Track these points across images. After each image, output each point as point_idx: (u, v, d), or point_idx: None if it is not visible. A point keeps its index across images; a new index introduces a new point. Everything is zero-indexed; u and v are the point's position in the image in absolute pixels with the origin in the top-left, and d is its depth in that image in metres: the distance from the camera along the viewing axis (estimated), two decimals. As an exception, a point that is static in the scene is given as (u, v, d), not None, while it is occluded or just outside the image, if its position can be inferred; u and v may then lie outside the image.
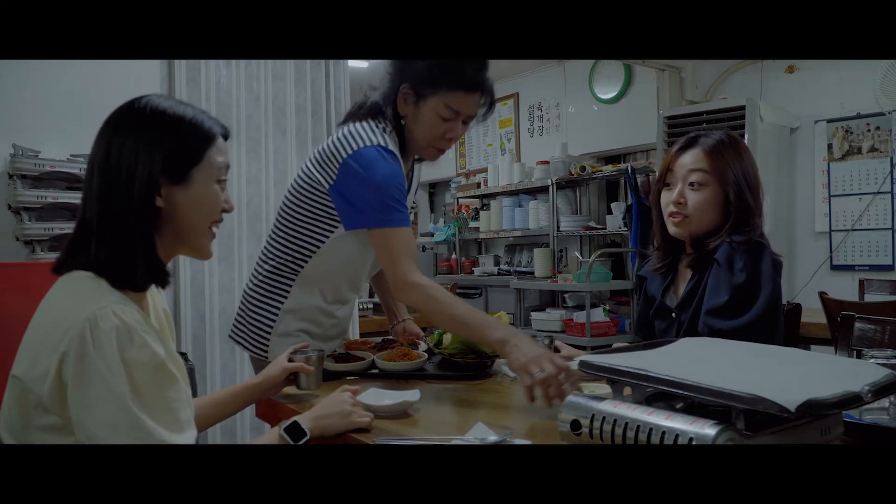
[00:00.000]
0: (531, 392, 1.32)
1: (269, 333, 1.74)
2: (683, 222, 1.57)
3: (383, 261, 1.63)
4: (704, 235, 1.56)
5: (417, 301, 1.58)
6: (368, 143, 1.61)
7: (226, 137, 1.11)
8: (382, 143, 1.62)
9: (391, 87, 1.66)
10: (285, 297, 1.74)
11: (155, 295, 1.14)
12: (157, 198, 1.02)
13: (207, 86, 2.97)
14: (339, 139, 1.64)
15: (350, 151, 1.60)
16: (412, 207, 1.92)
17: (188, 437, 0.99)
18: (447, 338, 1.74)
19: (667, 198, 1.60)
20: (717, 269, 1.49)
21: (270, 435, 1.19)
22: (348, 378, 1.67)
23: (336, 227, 1.68)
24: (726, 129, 1.66)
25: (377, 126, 1.65)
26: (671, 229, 1.60)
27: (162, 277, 1.06)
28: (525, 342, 1.41)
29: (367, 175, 1.58)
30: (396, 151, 1.65)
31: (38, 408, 0.94)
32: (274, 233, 1.77)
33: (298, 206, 1.70)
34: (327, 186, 1.64)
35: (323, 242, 1.69)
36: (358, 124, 1.66)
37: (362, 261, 1.76)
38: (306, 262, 1.71)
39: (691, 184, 1.55)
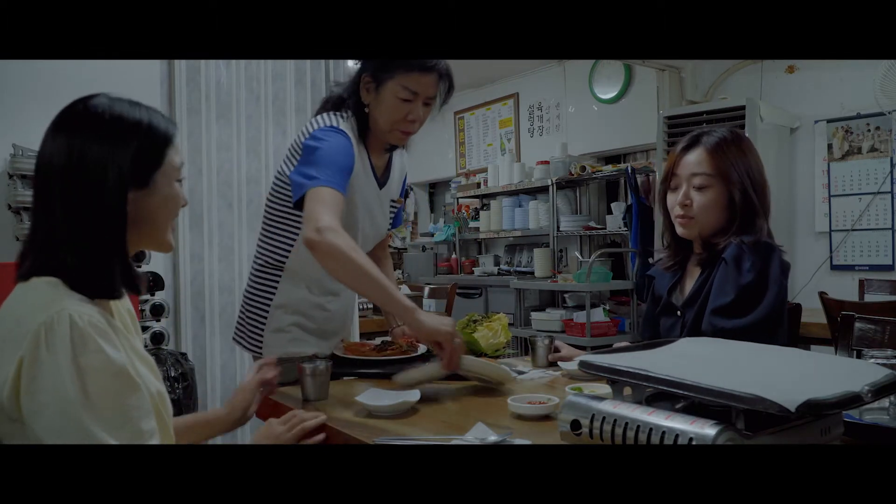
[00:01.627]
0: (449, 352, 1.47)
1: (263, 330, 1.78)
2: (690, 224, 1.57)
3: (307, 213, 1.53)
4: (713, 235, 1.57)
5: (336, 244, 1.46)
6: (323, 126, 1.70)
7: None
8: (335, 125, 1.70)
9: (353, 79, 1.74)
10: (274, 293, 1.77)
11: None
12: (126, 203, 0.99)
13: (207, 86, 2.97)
14: (301, 131, 1.74)
15: (308, 135, 1.69)
16: (395, 203, 1.95)
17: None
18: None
19: (673, 199, 1.60)
20: (725, 268, 1.49)
21: None
22: (345, 378, 1.67)
23: None
24: (730, 127, 1.65)
25: (335, 114, 1.74)
26: (679, 231, 1.61)
27: (135, 284, 1.03)
28: (431, 315, 1.56)
29: (317, 145, 1.65)
30: (350, 134, 1.72)
31: (2, 416, 0.91)
32: (260, 231, 1.83)
33: (275, 201, 1.77)
34: (289, 173, 1.69)
35: (298, 234, 1.72)
36: (318, 116, 1.76)
37: None
38: (288, 255, 1.76)
39: (695, 185, 1.56)
